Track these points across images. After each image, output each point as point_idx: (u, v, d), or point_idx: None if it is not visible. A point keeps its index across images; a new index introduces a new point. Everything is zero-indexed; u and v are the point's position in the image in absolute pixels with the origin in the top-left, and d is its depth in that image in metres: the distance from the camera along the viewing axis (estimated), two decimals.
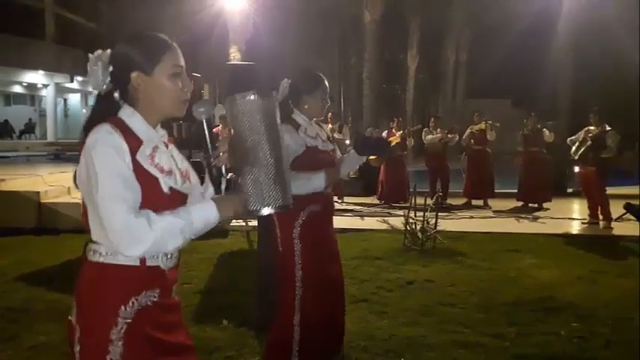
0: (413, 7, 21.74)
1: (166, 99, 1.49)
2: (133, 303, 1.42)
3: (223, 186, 1.53)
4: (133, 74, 1.46)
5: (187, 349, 1.58)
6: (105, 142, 1.37)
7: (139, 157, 1.40)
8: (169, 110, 1.51)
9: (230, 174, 1.53)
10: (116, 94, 1.49)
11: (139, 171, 1.40)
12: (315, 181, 2.57)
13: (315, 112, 2.71)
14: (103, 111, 1.47)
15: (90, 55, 1.47)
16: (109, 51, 1.49)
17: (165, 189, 1.45)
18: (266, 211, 1.52)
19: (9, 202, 7.17)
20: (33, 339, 3.49)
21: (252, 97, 1.52)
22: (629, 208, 6.97)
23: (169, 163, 1.49)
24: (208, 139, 1.51)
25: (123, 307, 1.41)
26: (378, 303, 4.19)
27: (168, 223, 1.39)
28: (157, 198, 1.42)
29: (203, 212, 1.45)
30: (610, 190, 7.60)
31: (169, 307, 1.53)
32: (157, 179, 1.43)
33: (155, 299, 1.46)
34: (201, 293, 4.42)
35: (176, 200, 1.49)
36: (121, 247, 1.36)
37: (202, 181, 1.62)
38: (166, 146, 1.53)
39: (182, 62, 1.51)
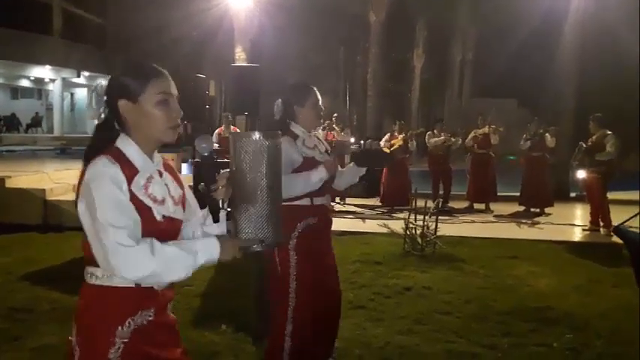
0: (419, 7, 21.70)
1: (153, 126, 1.50)
2: (129, 323, 1.48)
3: (222, 216, 1.56)
4: (120, 102, 1.50)
5: None
6: (102, 174, 1.42)
7: (133, 187, 1.46)
8: (158, 137, 1.53)
9: (227, 208, 1.56)
10: (115, 123, 1.54)
11: (134, 200, 1.46)
12: (315, 177, 2.56)
13: (310, 122, 2.73)
14: (102, 139, 1.52)
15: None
16: (104, 82, 1.54)
17: (159, 217, 1.51)
18: (256, 248, 1.54)
19: (15, 199, 7.26)
20: (36, 340, 3.54)
21: (257, 137, 1.52)
22: (617, 232, 6.95)
23: (162, 192, 1.54)
24: (208, 173, 1.55)
25: (120, 328, 1.47)
26: (375, 310, 4.25)
27: (174, 254, 1.44)
28: (151, 225, 1.48)
29: (208, 250, 1.50)
30: (614, 196, 7.59)
31: (165, 324, 1.59)
32: (150, 208, 1.49)
33: (151, 318, 1.52)
34: (202, 296, 4.49)
35: (170, 226, 1.55)
36: (117, 270, 1.40)
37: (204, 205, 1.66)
38: (160, 175, 1.58)
39: (171, 89, 1.53)
